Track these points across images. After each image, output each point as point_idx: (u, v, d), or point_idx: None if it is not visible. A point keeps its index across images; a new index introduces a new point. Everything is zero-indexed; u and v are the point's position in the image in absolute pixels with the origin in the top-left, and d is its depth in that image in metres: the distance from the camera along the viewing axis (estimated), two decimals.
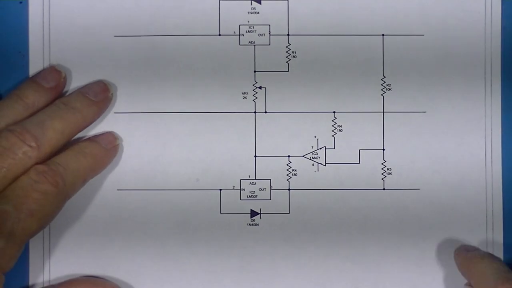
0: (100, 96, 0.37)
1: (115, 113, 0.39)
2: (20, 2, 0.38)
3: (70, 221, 0.38)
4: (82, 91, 0.37)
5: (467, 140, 0.39)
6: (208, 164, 0.38)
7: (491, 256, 0.37)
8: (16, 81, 0.38)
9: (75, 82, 0.38)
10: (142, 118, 0.38)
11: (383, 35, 0.39)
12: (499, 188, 0.39)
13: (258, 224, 0.38)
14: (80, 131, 0.37)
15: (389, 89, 0.39)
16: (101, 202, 0.38)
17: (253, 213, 0.39)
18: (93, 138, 0.37)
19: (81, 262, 0.38)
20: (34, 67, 0.38)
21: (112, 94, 0.38)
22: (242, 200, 0.39)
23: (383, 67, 0.39)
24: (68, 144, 0.37)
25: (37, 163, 0.34)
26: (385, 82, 0.39)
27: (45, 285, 0.38)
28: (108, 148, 0.37)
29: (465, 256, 0.37)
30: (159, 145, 0.38)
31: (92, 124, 0.38)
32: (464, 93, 0.39)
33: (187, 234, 0.38)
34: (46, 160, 0.35)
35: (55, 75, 0.37)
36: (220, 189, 0.39)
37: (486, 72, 0.39)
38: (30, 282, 0.38)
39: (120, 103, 0.39)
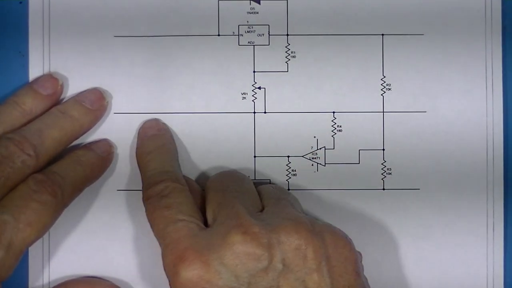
0: (96, 104, 0.37)
1: (115, 113, 0.39)
2: (20, 2, 0.39)
3: (70, 221, 0.38)
4: (79, 99, 0.37)
5: (468, 140, 0.39)
6: (208, 164, 0.38)
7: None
8: (15, 81, 0.38)
9: (75, 83, 0.38)
10: (142, 118, 0.38)
11: (382, 34, 0.39)
12: (500, 188, 0.39)
13: None
14: (76, 139, 0.38)
15: (389, 89, 0.39)
16: (101, 202, 0.38)
17: None
18: (89, 146, 0.37)
19: (81, 263, 0.38)
20: (34, 67, 0.38)
21: (107, 102, 0.38)
22: None
23: (383, 66, 0.39)
24: (64, 152, 0.37)
25: (34, 172, 0.34)
26: (385, 82, 0.39)
27: (45, 287, 0.38)
28: (104, 156, 0.37)
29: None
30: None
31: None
32: (465, 93, 0.39)
33: None
34: (43, 168, 0.35)
35: (52, 83, 0.37)
36: None
37: (487, 72, 0.38)
38: (30, 283, 0.38)
39: (120, 103, 0.39)
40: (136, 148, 0.38)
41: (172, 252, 0.31)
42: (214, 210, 0.34)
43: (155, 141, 0.37)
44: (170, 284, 0.32)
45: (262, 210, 0.34)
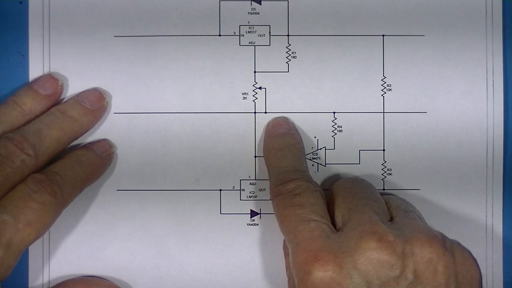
0: (96, 105, 0.38)
1: (115, 113, 0.39)
2: (20, 2, 0.38)
3: (70, 221, 0.38)
4: (78, 99, 0.37)
5: (468, 141, 0.39)
6: (208, 164, 0.38)
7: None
8: (15, 81, 0.38)
9: (75, 83, 0.38)
10: (142, 118, 0.38)
11: (383, 35, 0.39)
12: (500, 188, 0.39)
13: (258, 224, 0.39)
14: (76, 139, 0.38)
15: (390, 90, 0.39)
16: (101, 202, 0.38)
17: (253, 213, 0.39)
18: (89, 146, 0.37)
19: (81, 263, 0.38)
20: (34, 67, 0.38)
21: (107, 102, 0.38)
22: (242, 200, 0.39)
23: (383, 67, 0.39)
24: (63, 152, 0.37)
25: (34, 172, 0.34)
26: (385, 82, 0.39)
27: (44, 287, 0.38)
28: (104, 156, 0.37)
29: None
30: (159, 145, 0.38)
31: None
32: (465, 93, 0.39)
33: (187, 234, 0.38)
34: (42, 168, 0.35)
35: (52, 83, 0.37)
36: (220, 189, 0.39)
37: (487, 72, 0.38)
38: (30, 283, 0.38)
39: (120, 103, 0.38)
40: (264, 144, 0.38)
41: (305, 251, 0.31)
42: (344, 215, 0.33)
43: (286, 139, 0.37)
44: (297, 282, 0.32)
45: (390, 220, 0.34)
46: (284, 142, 0.37)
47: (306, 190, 0.34)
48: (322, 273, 0.31)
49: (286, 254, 0.37)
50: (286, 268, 0.37)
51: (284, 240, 0.37)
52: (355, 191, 0.35)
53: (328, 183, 0.38)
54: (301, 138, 0.38)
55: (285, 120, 0.38)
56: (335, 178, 0.38)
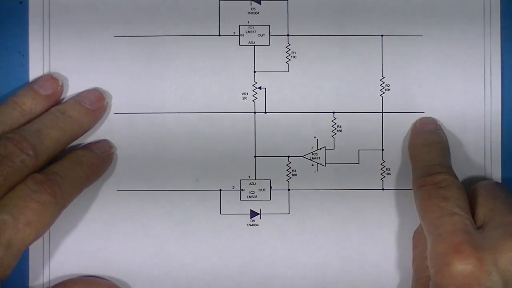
0: (96, 105, 0.38)
1: (115, 113, 0.39)
2: (20, 2, 0.38)
3: (70, 221, 0.38)
4: (78, 99, 0.37)
5: (466, 140, 0.39)
6: (208, 164, 0.38)
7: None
8: (15, 81, 0.38)
9: (75, 83, 0.38)
10: (142, 118, 0.38)
11: (382, 35, 0.39)
12: None
13: (258, 225, 0.39)
14: (76, 139, 0.38)
15: (388, 90, 0.39)
16: (101, 202, 0.38)
17: (253, 214, 0.39)
18: (89, 147, 0.37)
19: (81, 263, 0.38)
20: (34, 67, 0.38)
21: (107, 102, 0.38)
22: (242, 201, 0.39)
23: (382, 67, 0.39)
24: (63, 152, 0.37)
25: (34, 172, 0.34)
26: (384, 82, 0.39)
27: (45, 286, 0.38)
28: (104, 156, 0.37)
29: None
30: (159, 145, 0.38)
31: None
32: (463, 94, 0.39)
33: (187, 234, 0.38)
34: (42, 168, 0.35)
35: (52, 83, 0.37)
36: (220, 190, 0.39)
37: (485, 72, 0.39)
38: (30, 282, 0.38)
39: (120, 103, 0.38)
40: (411, 140, 0.38)
41: (446, 242, 0.32)
42: (486, 214, 0.34)
43: (433, 136, 0.38)
44: (433, 272, 0.32)
45: None
46: (431, 139, 0.38)
47: (452, 184, 0.35)
48: (462, 266, 0.31)
49: (416, 246, 0.37)
50: (413, 260, 0.37)
51: (415, 232, 0.38)
52: (497, 193, 0.35)
53: (328, 183, 0.39)
54: (447, 139, 0.38)
55: (433, 120, 0.39)
56: (335, 178, 0.39)
